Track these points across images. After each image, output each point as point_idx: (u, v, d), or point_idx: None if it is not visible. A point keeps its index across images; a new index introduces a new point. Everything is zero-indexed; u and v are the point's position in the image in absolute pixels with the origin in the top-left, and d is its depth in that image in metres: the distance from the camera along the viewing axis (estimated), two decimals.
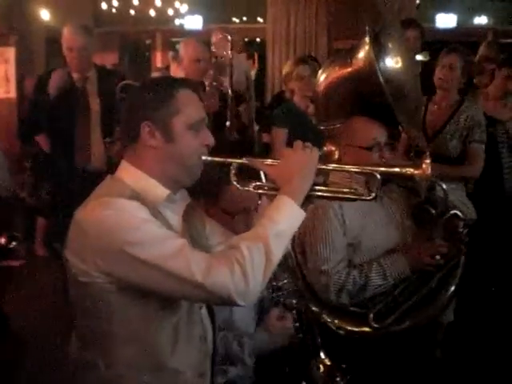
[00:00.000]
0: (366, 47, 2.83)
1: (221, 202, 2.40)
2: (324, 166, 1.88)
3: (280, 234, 1.72)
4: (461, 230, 2.79)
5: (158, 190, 1.83)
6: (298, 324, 2.53)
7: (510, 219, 4.29)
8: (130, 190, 1.80)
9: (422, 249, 2.72)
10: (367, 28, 2.83)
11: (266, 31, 6.84)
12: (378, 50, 2.91)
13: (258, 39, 9.59)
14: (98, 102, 4.37)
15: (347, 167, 2.00)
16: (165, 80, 1.99)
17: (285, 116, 4.45)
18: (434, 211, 2.82)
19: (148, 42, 11.08)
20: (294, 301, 2.55)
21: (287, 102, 4.67)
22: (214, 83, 4.55)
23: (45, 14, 7.03)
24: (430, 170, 1.89)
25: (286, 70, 4.70)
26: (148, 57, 11.00)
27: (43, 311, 4.84)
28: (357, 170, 1.96)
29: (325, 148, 3.04)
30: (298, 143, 1.84)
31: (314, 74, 4.44)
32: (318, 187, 1.87)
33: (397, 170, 1.97)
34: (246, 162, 1.90)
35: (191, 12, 10.28)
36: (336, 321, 2.72)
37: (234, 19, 11.46)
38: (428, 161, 1.89)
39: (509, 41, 8.24)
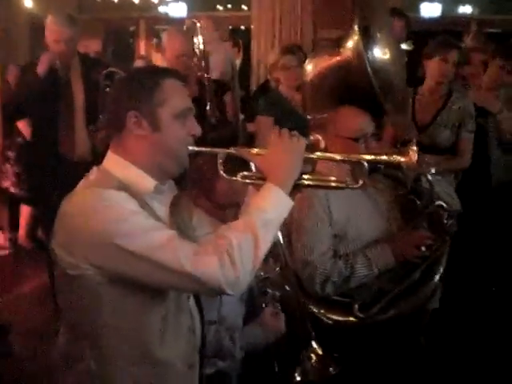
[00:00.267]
0: (355, 37, 2.82)
1: (212, 196, 2.39)
2: (311, 155, 1.88)
3: (268, 222, 1.72)
4: (445, 221, 2.81)
5: (145, 181, 1.83)
6: (286, 315, 2.54)
7: (496, 211, 4.31)
8: (117, 181, 1.79)
9: (407, 240, 2.74)
10: (356, 17, 2.82)
11: (250, 19, 6.80)
12: (367, 40, 2.90)
13: (242, 27, 9.54)
14: (81, 90, 4.34)
15: (334, 156, 2.00)
16: (150, 69, 1.98)
17: (270, 105, 4.44)
18: (419, 202, 2.84)
19: (132, 29, 10.98)
20: (278, 293, 2.56)
21: (272, 91, 4.65)
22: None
23: (28, 1, 6.96)
24: (416, 157, 1.89)
25: (271, 59, 4.68)
26: (132, 44, 10.90)
27: (28, 301, 4.83)
28: (344, 158, 1.96)
29: (311, 137, 3.04)
30: (285, 131, 1.83)
31: (300, 63, 4.44)
32: (305, 176, 1.87)
33: (384, 157, 1.97)
34: (233, 151, 1.89)
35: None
36: (322, 311, 2.74)
37: (219, 7, 11.39)
38: (414, 148, 1.89)
39: (494, 31, 8.25)
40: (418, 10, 8.83)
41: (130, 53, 10.09)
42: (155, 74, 1.86)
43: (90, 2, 9.42)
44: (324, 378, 2.49)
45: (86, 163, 3.95)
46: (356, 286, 2.71)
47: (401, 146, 3.68)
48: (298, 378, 2.48)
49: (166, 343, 1.85)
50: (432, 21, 8.49)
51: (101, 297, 1.76)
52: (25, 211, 6.11)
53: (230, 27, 9.23)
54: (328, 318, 2.72)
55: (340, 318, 2.72)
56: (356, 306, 2.66)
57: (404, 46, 4.64)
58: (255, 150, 1.87)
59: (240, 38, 7.42)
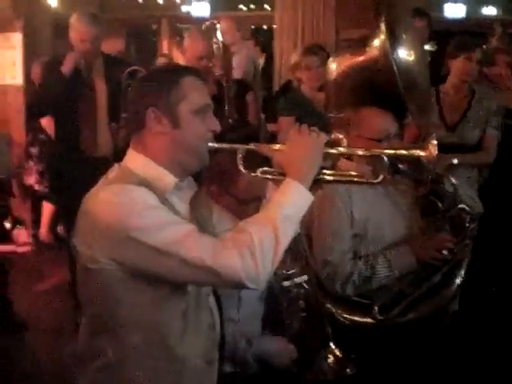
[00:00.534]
0: (382, 36, 2.81)
1: (233, 190, 2.40)
2: (331, 150, 1.87)
3: (288, 217, 1.72)
4: (467, 224, 2.78)
5: (165, 178, 1.84)
6: (305, 314, 2.53)
7: None
8: (137, 178, 1.80)
9: (429, 242, 2.71)
10: (382, 16, 2.80)
11: (273, 19, 6.80)
12: (393, 40, 2.88)
13: (265, 27, 9.53)
14: (104, 88, 4.37)
15: (354, 150, 2.00)
16: (169, 67, 2.00)
17: (291, 105, 4.44)
18: (440, 204, 2.82)
19: (154, 27, 11.02)
20: (302, 290, 2.55)
21: (294, 91, 4.65)
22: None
23: (52, 0, 7.01)
24: (436, 151, 1.88)
25: (294, 59, 4.68)
26: (155, 43, 10.94)
27: (48, 297, 4.86)
28: (364, 153, 1.95)
29: (332, 136, 3.03)
30: (304, 127, 1.83)
31: (323, 63, 4.43)
32: (325, 171, 1.87)
33: (403, 152, 1.97)
34: (253, 147, 1.90)
35: None
36: (340, 311, 2.73)
37: (241, 6, 11.39)
38: (434, 142, 1.88)
39: None
40: (441, 11, 8.77)
41: (152, 51, 10.14)
42: (174, 72, 1.89)
43: (112, 2, 9.46)
44: (341, 379, 2.48)
45: (108, 161, 3.99)
46: (376, 287, 2.70)
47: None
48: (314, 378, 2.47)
49: (186, 339, 1.86)
50: (456, 21, 8.42)
51: (121, 291, 1.77)
52: (47, 208, 6.16)
53: (253, 27, 9.23)
54: (346, 319, 2.71)
55: (359, 319, 2.70)
56: (376, 307, 2.65)
57: (427, 47, 4.63)
58: (275, 146, 1.88)
59: (262, 38, 7.42)
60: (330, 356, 2.50)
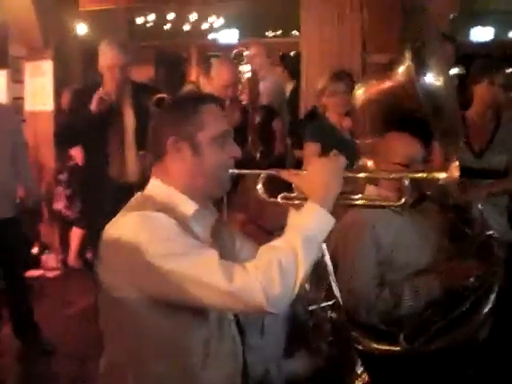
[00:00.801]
0: (407, 62, 2.80)
1: (260, 220, 2.40)
2: (351, 174, 1.88)
3: (309, 239, 1.72)
4: (496, 251, 2.74)
5: (186, 205, 1.85)
6: (332, 338, 2.51)
7: None
8: (159, 205, 1.82)
9: (455, 270, 2.68)
10: (407, 42, 2.80)
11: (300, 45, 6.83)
12: (419, 65, 2.88)
13: (292, 53, 9.60)
14: (132, 115, 4.40)
15: (376, 173, 1.99)
16: (189, 96, 2.03)
17: (318, 131, 4.42)
18: (469, 231, 2.78)
19: (184, 55, 11.16)
20: (328, 314, 2.52)
21: (320, 117, 4.64)
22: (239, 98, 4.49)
23: (81, 28, 7.14)
24: (458, 172, 1.86)
25: (320, 85, 4.67)
26: (183, 71, 11.08)
27: (75, 322, 4.88)
28: (385, 176, 1.94)
29: (360, 162, 3.02)
30: (315, 147, 1.86)
31: (348, 89, 4.42)
32: (347, 195, 1.87)
33: (425, 174, 1.95)
34: (273, 172, 1.91)
35: (226, 26, 10.35)
36: (366, 339, 2.69)
37: (268, 33, 11.49)
38: (456, 164, 1.87)
39: None
40: (468, 35, 8.76)
41: (181, 79, 10.25)
42: (194, 100, 1.92)
43: (141, 30, 9.62)
44: None
45: (136, 188, 4.00)
46: (402, 315, 2.66)
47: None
48: None
49: (208, 368, 1.85)
50: (484, 45, 8.40)
51: (143, 319, 1.77)
52: (75, 234, 6.22)
53: (280, 53, 9.29)
54: (372, 347, 2.67)
55: (385, 348, 2.66)
56: (402, 335, 2.61)
57: (455, 71, 4.60)
58: (296, 171, 1.89)
59: (291, 64, 7.44)
60: (356, 382, 2.46)
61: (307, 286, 2.12)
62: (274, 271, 1.64)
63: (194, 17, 9.73)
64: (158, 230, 1.73)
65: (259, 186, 1.90)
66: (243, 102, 4.66)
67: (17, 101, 6.69)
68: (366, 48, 5.86)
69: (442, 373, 2.71)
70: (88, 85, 4.40)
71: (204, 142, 1.85)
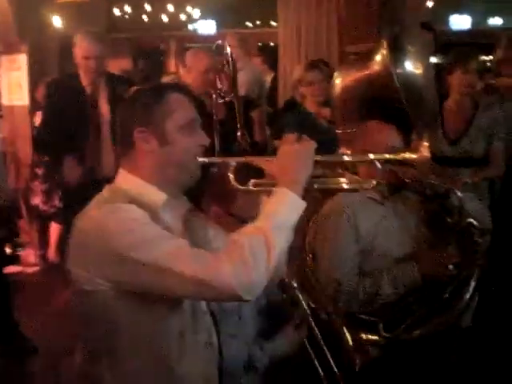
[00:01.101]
0: (384, 51, 2.79)
1: (233, 210, 2.38)
2: (321, 158, 1.86)
3: (280, 224, 1.71)
4: (476, 239, 2.74)
5: (156, 196, 1.84)
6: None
7: None
8: (128, 197, 1.80)
9: (435, 258, 2.67)
10: (384, 31, 2.79)
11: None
12: (397, 54, 2.86)
13: (271, 43, 9.57)
14: (108, 108, 4.36)
15: (344, 157, 1.98)
16: (154, 86, 2.00)
17: (295, 121, 4.41)
18: (449, 219, 2.78)
19: (161, 47, 11.09)
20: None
21: (298, 107, 4.63)
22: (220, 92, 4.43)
23: (57, 21, 7.06)
24: (428, 152, 1.87)
25: (297, 74, 4.66)
26: (162, 62, 11.01)
27: (55, 318, 4.84)
28: (355, 159, 1.93)
29: (339, 151, 3.01)
30: (293, 136, 1.84)
31: (326, 78, 4.41)
32: (317, 179, 1.87)
33: (395, 156, 1.94)
34: (244, 160, 1.91)
35: (204, 17, 10.29)
36: (345, 328, 2.69)
37: (248, 23, 11.45)
38: (426, 144, 1.88)
39: None
40: (447, 23, 8.77)
41: (160, 70, 10.19)
42: (159, 90, 1.90)
43: (119, 22, 9.54)
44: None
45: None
46: (382, 304, 2.66)
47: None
48: None
49: (185, 359, 1.85)
50: (461, 33, 8.42)
51: (116, 312, 1.76)
52: (55, 228, 6.17)
53: (260, 44, 9.26)
54: (352, 336, 2.66)
55: (364, 337, 2.66)
56: (381, 324, 2.61)
57: (435, 60, 4.60)
58: (266, 158, 1.88)
59: (270, 54, 7.43)
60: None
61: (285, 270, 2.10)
62: (245, 257, 1.63)
63: (170, 8, 9.65)
64: (128, 221, 1.71)
65: (230, 174, 1.88)
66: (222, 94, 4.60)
67: None
68: (344, 38, 5.87)
69: (424, 360, 2.71)
70: (63, 76, 4.35)
71: (171, 130, 1.83)
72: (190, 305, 1.87)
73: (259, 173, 1.89)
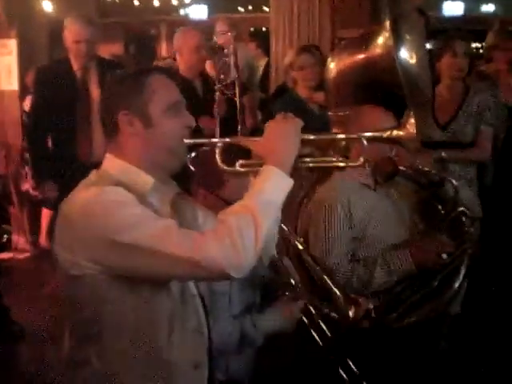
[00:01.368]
0: (386, 34, 2.77)
1: (222, 192, 2.38)
2: (308, 136, 1.85)
3: (267, 202, 1.70)
4: (466, 228, 2.75)
5: (143, 179, 1.83)
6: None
7: None
8: (115, 181, 1.79)
9: (428, 246, 2.67)
10: (386, 14, 2.77)
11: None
12: (396, 38, 2.84)
13: (263, 28, 9.52)
14: (98, 92, 4.33)
15: (333, 135, 1.97)
16: (136, 69, 1.99)
17: (286, 105, 4.39)
18: (441, 208, 2.78)
19: (153, 32, 11.04)
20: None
21: (289, 91, 4.61)
22: (219, 86, 4.40)
23: (47, 5, 7.00)
24: (414, 129, 1.87)
25: (288, 59, 4.63)
26: (153, 47, 10.96)
27: (46, 303, 4.83)
28: (342, 137, 1.93)
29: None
30: (279, 115, 1.84)
31: (317, 63, 4.39)
32: (305, 158, 1.86)
33: (382, 134, 1.93)
34: (230, 140, 1.90)
35: (196, 1, 10.23)
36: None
37: (240, 8, 11.40)
38: (412, 121, 1.87)
39: None
40: (440, 9, 8.75)
41: (151, 56, 10.14)
42: (141, 73, 1.88)
43: (110, 6, 9.46)
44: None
45: None
46: (374, 291, 2.66)
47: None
48: None
49: (173, 342, 1.84)
50: (454, 19, 8.40)
51: (103, 296, 1.75)
52: (46, 213, 6.14)
53: (252, 29, 9.22)
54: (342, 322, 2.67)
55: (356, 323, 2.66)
56: (373, 311, 2.61)
57: (427, 45, 4.58)
58: (253, 138, 1.87)
59: (262, 39, 7.39)
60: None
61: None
62: (233, 235, 1.62)
63: None
64: (114, 203, 1.70)
65: (217, 156, 1.87)
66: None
67: None
68: (336, 23, 5.83)
69: (412, 347, 2.72)
70: (53, 62, 4.32)
71: (156, 112, 1.82)
72: (179, 288, 1.86)
73: (247, 154, 1.88)
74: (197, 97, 4.63)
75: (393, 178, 2.84)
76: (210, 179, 2.36)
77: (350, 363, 2.45)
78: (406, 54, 2.98)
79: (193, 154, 2.00)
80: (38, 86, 4.57)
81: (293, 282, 2.53)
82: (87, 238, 1.69)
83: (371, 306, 2.37)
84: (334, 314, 2.51)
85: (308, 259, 2.54)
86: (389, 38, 2.76)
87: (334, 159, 1.91)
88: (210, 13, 10.27)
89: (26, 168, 6.02)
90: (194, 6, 10.36)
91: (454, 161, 3.91)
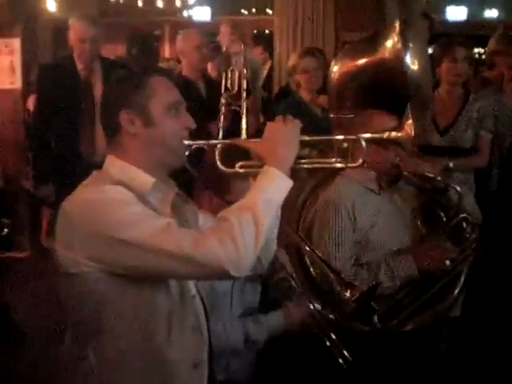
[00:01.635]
0: (395, 37, 2.76)
1: (227, 195, 2.38)
2: (307, 137, 1.86)
3: (267, 201, 1.72)
4: (468, 235, 2.75)
5: (143, 178, 1.83)
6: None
7: None
8: (115, 180, 1.80)
9: (431, 252, 2.67)
10: (396, 17, 2.76)
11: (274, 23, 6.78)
12: (403, 42, 2.83)
13: (266, 31, 9.53)
14: (102, 93, 4.34)
15: (333, 137, 1.98)
16: (137, 69, 2.00)
17: (289, 108, 4.40)
18: (443, 214, 2.78)
19: (156, 33, 11.04)
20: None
21: (292, 94, 4.62)
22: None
23: (50, 4, 7.01)
24: (412, 130, 1.89)
25: (291, 62, 4.64)
26: (156, 48, 10.95)
27: (46, 302, 4.83)
28: (341, 138, 1.93)
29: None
30: (279, 117, 1.85)
31: (320, 66, 4.40)
32: (304, 160, 1.87)
33: (381, 135, 1.96)
34: (230, 142, 1.91)
35: (199, 3, 10.24)
36: (340, 318, 2.68)
37: (243, 11, 11.40)
38: (410, 122, 1.89)
39: None
40: (444, 13, 8.75)
41: (154, 57, 10.14)
42: (141, 73, 1.91)
43: (113, 6, 9.46)
44: None
45: None
46: (377, 296, 2.64)
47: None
48: None
49: (172, 341, 1.84)
50: (458, 24, 8.40)
51: (102, 294, 1.76)
52: (46, 212, 6.12)
53: (255, 31, 9.23)
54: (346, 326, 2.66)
55: (358, 327, 2.64)
56: (376, 316, 2.60)
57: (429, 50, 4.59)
58: (253, 140, 1.88)
59: (266, 42, 7.41)
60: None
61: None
62: (234, 234, 1.63)
63: None
64: (114, 201, 1.71)
65: (217, 157, 1.88)
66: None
67: None
68: (340, 27, 5.85)
69: (413, 352, 2.73)
70: (57, 60, 4.33)
71: (156, 111, 1.83)
72: (178, 287, 1.87)
73: (247, 156, 1.89)
74: (200, 98, 4.65)
75: (396, 183, 2.84)
76: (216, 182, 2.36)
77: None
78: (410, 58, 2.98)
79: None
80: (41, 84, 4.57)
81: (292, 282, 2.54)
82: (87, 236, 1.70)
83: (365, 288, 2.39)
84: (331, 316, 2.54)
85: (305, 248, 2.56)
86: (397, 42, 2.75)
87: (332, 160, 1.92)
88: (213, 15, 10.28)
89: (28, 167, 6.02)
90: (198, 8, 10.37)
91: (459, 170, 3.91)
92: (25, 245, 6.24)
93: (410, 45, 2.96)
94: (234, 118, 4.17)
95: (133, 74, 1.92)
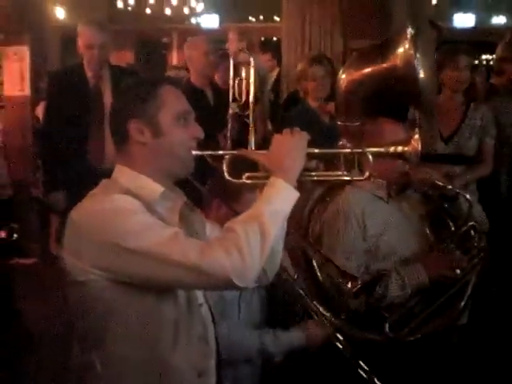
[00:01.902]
0: (406, 44, 2.76)
1: (237, 206, 2.38)
2: (314, 150, 1.86)
3: (274, 213, 1.72)
4: (476, 243, 2.74)
5: (152, 188, 1.84)
6: None
7: None
8: (124, 189, 1.80)
9: (442, 261, 2.67)
10: (408, 24, 2.76)
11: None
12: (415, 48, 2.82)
13: (274, 38, 9.55)
14: (111, 100, 4.35)
15: (338, 150, 1.98)
16: (146, 78, 2.01)
17: (296, 115, 4.41)
18: (451, 223, 2.78)
19: (164, 40, 11.08)
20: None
21: (300, 101, 4.62)
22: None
23: (59, 12, 7.06)
24: (419, 145, 1.90)
25: (299, 69, 4.65)
26: (164, 55, 11.00)
27: (56, 309, 4.85)
28: (347, 151, 1.94)
29: (340, 143, 2.99)
30: (286, 130, 1.85)
31: (328, 74, 4.40)
32: (310, 172, 1.87)
33: (387, 148, 1.95)
34: (237, 153, 1.91)
35: (207, 11, 10.28)
36: (351, 327, 2.67)
37: (251, 18, 11.44)
38: (417, 136, 1.89)
39: None
40: (451, 20, 8.75)
41: (162, 64, 10.18)
42: (151, 82, 1.91)
43: (121, 14, 9.51)
44: None
45: None
46: (388, 304, 2.65)
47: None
48: None
49: (178, 350, 1.84)
50: (465, 31, 8.39)
51: (109, 302, 1.76)
52: (55, 219, 6.15)
53: (263, 38, 9.25)
54: (357, 335, 2.65)
55: (369, 336, 2.63)
56: (387, 325, 2.59)
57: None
58: (260, 151, 1.89)
59: (273, 49, 7.42)
60: None
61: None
62: (240, 244, 1.64)
63: (174, 1, 9.64)
64: (122, 210, 1.72)
65: (224, 168, 1.89)
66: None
67: None
68: (348, 34, 5.85)
69: (423, 360, 2.72)
70: (66, 67, 4.35)
71: (165, 121, 1.84)
72: (185, 296, 1.87)
73: (255, 167, 1.90)
74: (208, 105, 4.66)
75: (405, 191, 2.84)
76: (226, 191, 2.36)
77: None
78: (419, 66, 2.98)
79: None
80: (51, 91, 4.59)
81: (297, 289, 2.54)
82: (94, 244, 1.71)
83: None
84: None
85: (312, 250, 2.56)
86: (409, 49, 2.74)
87: (339, 173, 1.92)
88: (221, 22, 10.32)
89: (38, 174, 6.04)
90: (206, 16, 10.41)
91: (471, 181, 3.92)
92: (34, 251, 6.26)
93: (420, 52, 2.95)
94: (242, 128, 4.20)
95: (142, 84, 1.92)
